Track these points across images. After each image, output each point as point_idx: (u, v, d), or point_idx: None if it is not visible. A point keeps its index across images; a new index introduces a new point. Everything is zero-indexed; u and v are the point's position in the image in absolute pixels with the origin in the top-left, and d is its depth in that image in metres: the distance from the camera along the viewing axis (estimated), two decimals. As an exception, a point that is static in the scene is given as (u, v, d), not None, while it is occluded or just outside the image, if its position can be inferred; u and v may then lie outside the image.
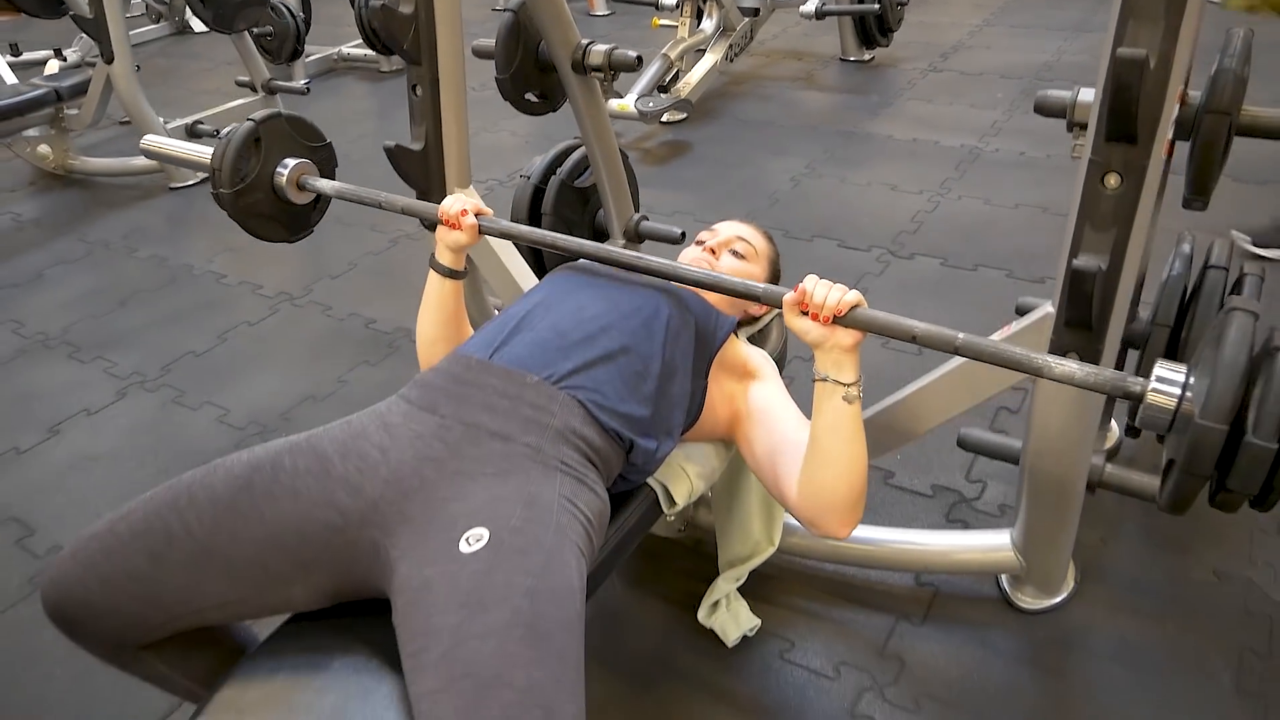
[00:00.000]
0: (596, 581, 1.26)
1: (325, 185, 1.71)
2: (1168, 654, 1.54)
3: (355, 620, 1.14)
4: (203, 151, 1.78)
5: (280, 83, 3.99)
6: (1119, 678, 1.51)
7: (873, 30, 4.37)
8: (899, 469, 1.97)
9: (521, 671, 0.88)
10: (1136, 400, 1.04)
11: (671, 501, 1.34)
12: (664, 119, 3.93)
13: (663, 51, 4.00)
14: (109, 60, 3.47)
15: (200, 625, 1.14)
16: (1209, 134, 1.38)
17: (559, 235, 1.41)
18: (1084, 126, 1.30)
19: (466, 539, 0.98)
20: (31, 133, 3.90)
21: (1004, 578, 1.67)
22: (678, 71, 4.07)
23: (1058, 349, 1.28)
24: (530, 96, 2.20)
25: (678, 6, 4.10)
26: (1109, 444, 1.99)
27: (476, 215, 1.40)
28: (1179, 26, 1.05)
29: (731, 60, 4.28)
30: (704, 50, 4.17)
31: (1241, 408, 0.96)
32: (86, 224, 3.54)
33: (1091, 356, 1.27)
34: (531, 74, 2.16)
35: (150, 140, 1.98)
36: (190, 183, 3.77)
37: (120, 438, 2.28)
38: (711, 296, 1.40)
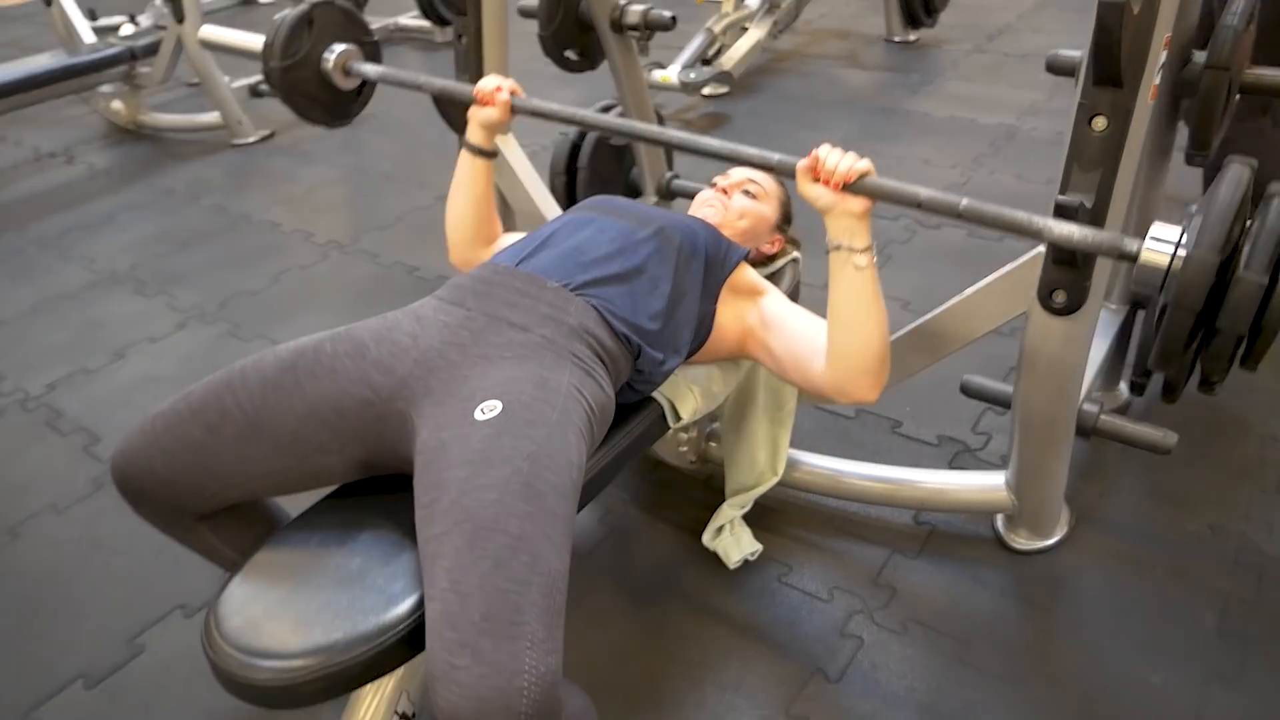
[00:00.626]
0: (602, 482, 1.37)
1: (369, 69, 1.84)
2: (1154, 596, 1.60)
3: (381, 499, 1.26)
4: (257, 39, 1.92)
5: (339, 47, 4.14)
6: (1103, 615, 1.58)
7: (918, 10, 4.39)
8: (907, 419, 2.05)
9: (515, 521, 0.99)
10: (1131, 259, 1.10)
11: (677, 416, 1.44)
12: (705, 92, 4.02)
13: (707, 25, 4.08)
14: (180, 20, 3.64)
15: (248, 497, 1.28)
16: (1209, 90, 1.45)
17: (590, 113, 1.50)
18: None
19: (481, 409, 1.10)
20: (106, 89, 4.12)
21: (999, 520, 1.74)
22: (721, 46, 4.14)
23: (1046, 285, 1.35)
24: (570, 54, 2.30)
25: (724, -18, 4.18)
26: (1117, 405, 2.05)
27: (511, 94, 1.52)
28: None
29: (775, 37, 4.33)
30: (748, 26, 4.24)
31: (1235, 249, 1.01)
32: (154, 174, 3.73)
33: (1078, 294, 1.34)
34: (572, 32, 2.27)
35: (207, 30, 2.13)
36: (250, 140, 3.94)
37: (179, 363, 2.45)
38: (726, 229, 1.50)
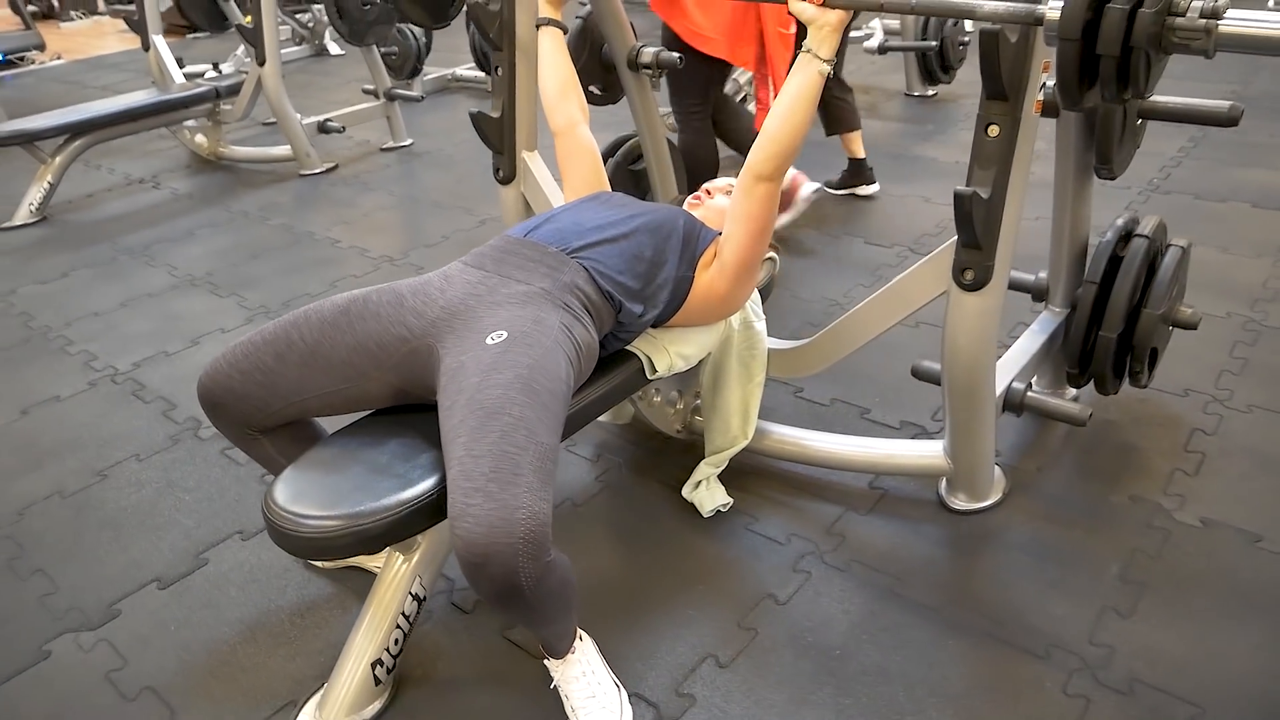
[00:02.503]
0: (589, 415, 1.67)
1: None
2: (1069, 550, 1.84)
3: (407, 417, 1.57)
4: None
5: (400, 91, 4.59)
6: (1022, 562, 1.81)
7: (935, 67, 4.72)
8: (875, 407, 2.32)
9: (517, 408, 1.29)
10: (1039, 22, 1.34)
11: (654, 369, 1.74)
12: (730, 137, 4.36)
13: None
14: (262, 63, 4.11)
15: (302, 415, 1.59)
16: (1107, 112, 1.74)
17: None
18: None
19: (491, 336, 1.41)
20: (191, 124, 4.61)
21: (943, 485, 1.99)
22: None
23: (958, 265, 1.64)
24: (594, 89, 2.66)
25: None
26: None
27: None
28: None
29: (800, 91, 4.68)
30: (775, 80, 4.60)
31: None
32: (229, 198, 4.18)
33: (983, 273, 1.62)
34: (595, 71, 2.63)
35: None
36: (316, 171, 4.39)
37: (246, 348, 2.80)
38: (703, 215, 1.83)
